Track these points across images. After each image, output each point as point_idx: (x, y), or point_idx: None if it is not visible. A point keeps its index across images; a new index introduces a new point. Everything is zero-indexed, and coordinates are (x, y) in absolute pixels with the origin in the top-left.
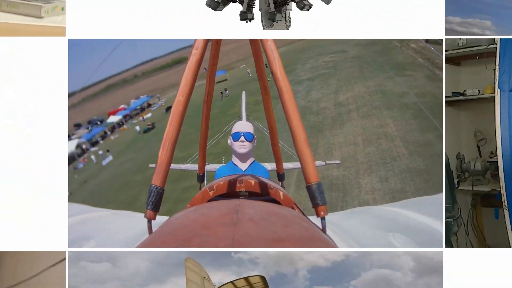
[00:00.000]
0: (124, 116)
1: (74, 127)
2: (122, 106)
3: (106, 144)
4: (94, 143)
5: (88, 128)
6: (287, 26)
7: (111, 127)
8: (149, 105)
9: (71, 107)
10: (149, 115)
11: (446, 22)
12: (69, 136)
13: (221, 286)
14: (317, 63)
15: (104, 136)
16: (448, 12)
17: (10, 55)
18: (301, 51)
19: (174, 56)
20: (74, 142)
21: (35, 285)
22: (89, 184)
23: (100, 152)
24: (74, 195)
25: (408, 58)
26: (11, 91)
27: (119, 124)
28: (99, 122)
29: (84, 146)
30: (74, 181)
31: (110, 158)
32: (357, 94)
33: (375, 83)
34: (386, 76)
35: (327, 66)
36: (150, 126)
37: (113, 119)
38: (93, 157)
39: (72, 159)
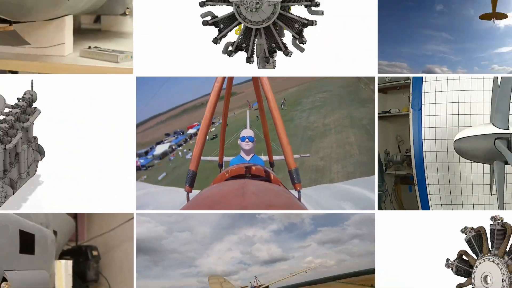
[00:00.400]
0: (198, 129)
1: (165, 135)
2: (196, 122)
3: (187, 146)
4: (179, 145)
5: (174, 136)
6: (273, 66)
7: (190, 136)
8: (213, 123)
9: (160, 123)
10: (213, 129)
11: (378, 64)
12: (162, 141)
13: None
14: (315, 98)
15: (186, 141)
16: (379, 57)
17: (97, 87)
18: (306, 90)
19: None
20: (167, 144)
21: (114, 236)
22: (178, 169)
23: (185, 150)
24: (169, 176)
25: (369, 96)
26: (96, 110)
27: (195, 134)
28: (181, 133)
29: (173, 147)
30: (169, 167)
31: (191, 154)
32: (335, 118)
33: (347, 111)
34: (354, 107)
35: (321, 100)
36: (214, 136)
37: (191, 131)
38: (180, 153)
39: (166, 154)
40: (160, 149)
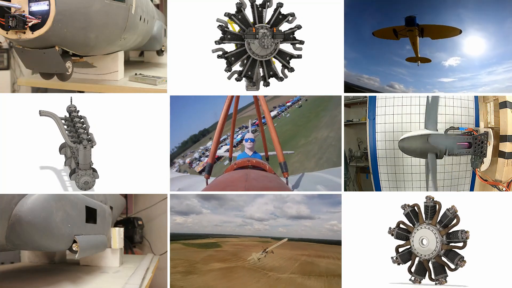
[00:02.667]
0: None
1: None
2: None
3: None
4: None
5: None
6: (258, 88)
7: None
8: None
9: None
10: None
11: (361, 76)
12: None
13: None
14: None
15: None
16: (362, 72)
17: (141, 102)
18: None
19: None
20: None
21: (154, 210)
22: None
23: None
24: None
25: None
26: (139, 118)
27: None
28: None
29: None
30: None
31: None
32: (336, 126)
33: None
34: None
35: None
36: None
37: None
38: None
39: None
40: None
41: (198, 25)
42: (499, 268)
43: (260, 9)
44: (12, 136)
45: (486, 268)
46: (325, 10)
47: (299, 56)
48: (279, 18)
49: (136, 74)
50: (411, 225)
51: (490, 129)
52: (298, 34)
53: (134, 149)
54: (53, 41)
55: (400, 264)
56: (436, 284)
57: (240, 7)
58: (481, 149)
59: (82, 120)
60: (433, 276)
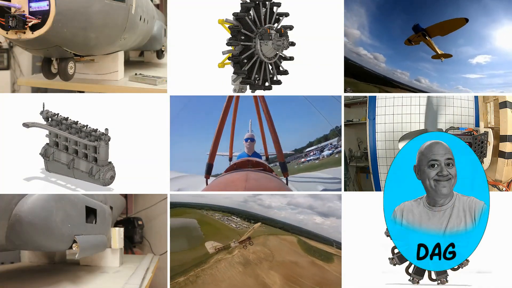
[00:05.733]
0: None
1: None
2: None
3: None
4: None
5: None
6: (245, 91)
7: None
8: None
9: None
10: None
11: (394, 71)
12: None
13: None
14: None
15: None
16: (395, 66)
17: (141, 102)
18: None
19: None
20: None
21: (154, 210)
22: None
23: None
24: None
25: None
26: (139, 118)
27: None
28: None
29: None
30: None
31: None
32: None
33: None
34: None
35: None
36: None
37: None
38: None
39: None
40: None
41: (198, 25)
42: (499, 268)
43: (263, 9)
44: (12, 136)
45: (486, 267)
46: (325, 10)
47: (291, 58)
48: (277, 18)
49: (136, 74)
50: None
51: (490, 129)
52: (298, 33)
53: (134, 149)
54: (53, 41)
55: (396, 265)
56: (438, 284)
57: (249, 7)
58: (481, 149)
59: (74, 120)
60: (433, 276)
